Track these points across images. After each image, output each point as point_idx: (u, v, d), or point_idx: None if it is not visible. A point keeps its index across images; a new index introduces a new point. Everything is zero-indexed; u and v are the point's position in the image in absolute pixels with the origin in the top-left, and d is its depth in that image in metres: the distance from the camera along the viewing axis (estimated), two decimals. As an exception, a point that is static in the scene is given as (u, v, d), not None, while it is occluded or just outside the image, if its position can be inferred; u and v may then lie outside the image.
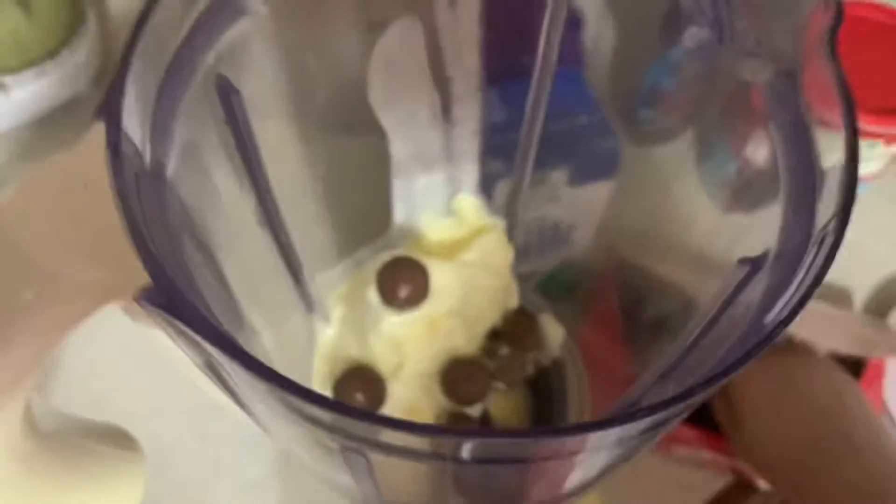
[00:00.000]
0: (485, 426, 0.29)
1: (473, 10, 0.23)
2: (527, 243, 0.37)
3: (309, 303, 0.29)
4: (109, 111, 0.14)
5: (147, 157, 0.15)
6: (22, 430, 0.16)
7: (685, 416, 0.16)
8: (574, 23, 0.27)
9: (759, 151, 0.34)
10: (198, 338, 0.12)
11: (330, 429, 0.14)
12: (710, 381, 0.13)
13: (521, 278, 0.32)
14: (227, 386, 0.16)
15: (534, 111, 0.26)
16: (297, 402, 0.13)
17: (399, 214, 0.30)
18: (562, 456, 0.14)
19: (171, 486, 0.39)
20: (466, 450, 0.13)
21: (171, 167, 0.16)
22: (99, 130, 0.14)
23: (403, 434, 0.13)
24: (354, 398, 0.26)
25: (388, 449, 0.14)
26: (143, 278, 0.13)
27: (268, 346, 0.26)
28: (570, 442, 0.14)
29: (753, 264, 0.17)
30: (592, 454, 0.15)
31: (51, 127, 0.47)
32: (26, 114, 0.45)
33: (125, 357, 0.42)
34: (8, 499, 0.16)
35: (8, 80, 0.43)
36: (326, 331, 0.30)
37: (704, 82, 0.36)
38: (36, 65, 0.43)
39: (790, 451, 0.29)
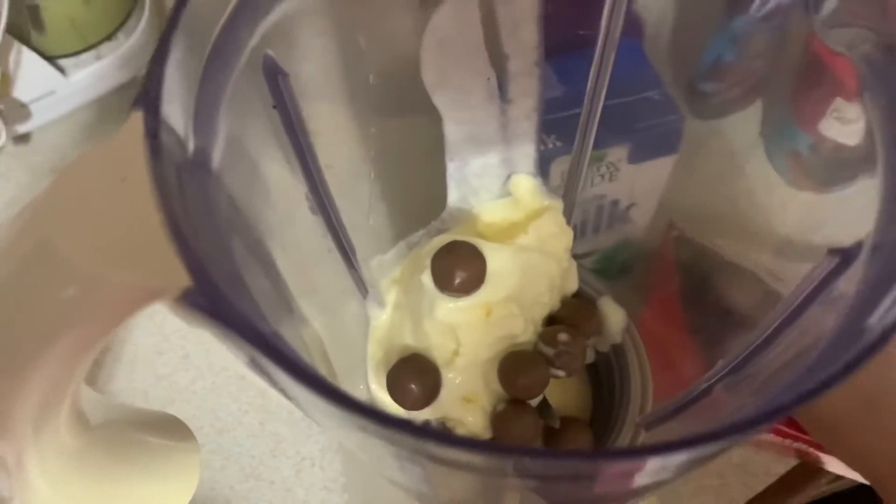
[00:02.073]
0: (544, 410, 0.29)
1: (531, -19, 0.21)
2: (584, 222, 0.36)
3: (362, 287, 0.28)
4: (147, 97, 0.13)
5: (190, 147, 0.15)
6: (70, 428, 0.16)
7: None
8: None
9: (839, 127, 0.31)
10: (242, 342, 0.12)
11: (386, 439, 0.13)
12: (806, 394, 0.11)
13: (578, 258, 0.31)
14: (274, 383, 0.16)
15: (596, 86, 0.25)
16: (347, 413, 0.12)
17: (453, 197, 0.29)
18: (626, 475, 0.13)
19: (228, 461, 0.40)
20: (522, 467, 0.12)
21: (217, 156, 0.16)
22: (137, 119, 0.13)
23: (451, 449, 0.12)
24: (408, 388, 0.26)
25: (440, 460, 0.14)
26: (185, 277, 0.12)
27: (321, 331, 0.26)
28: (635, 464, 0.13)
29: (844, 255, 0.16)
30: (660, 473, 0.14)
31: (109, 109, 0.47)
32: (85, 96, 0.46)
33: (187, 335, 0.43)
34: (60, 497, 0.16)
35: (67, 63, 0.43)
36: (380, 315, 0.29)
37: (773, 53, 0.34)
38: (93, 48, 0.43)
39: (836, 403, 0.28)
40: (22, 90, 0.42)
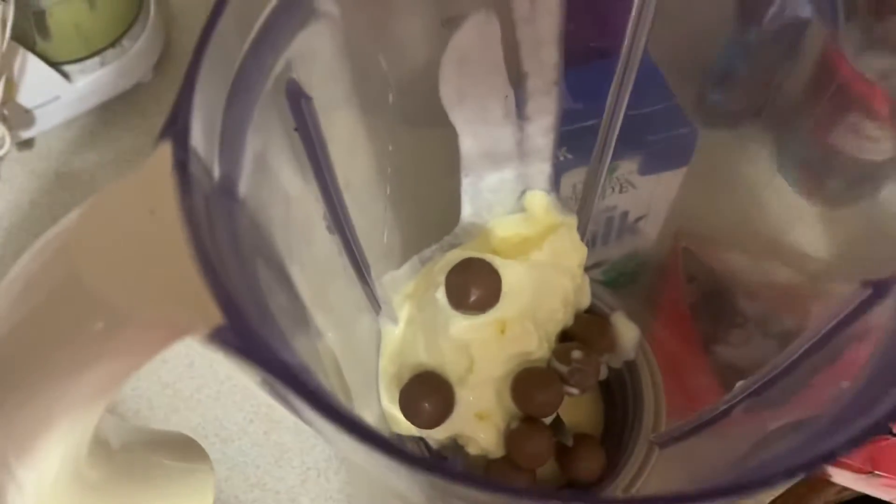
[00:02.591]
0: (557, 428, 0.28)
1: (553, 1, 0.21)
2: (593, 234, 0.36)
3: (375, 304, 0.28)
4: (176, 128, 0.13)
5: (216, 174, 0.14)
6: (92, 454, 0.16)
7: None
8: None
9: (855, 142, 0.31)
10: (272, 378, 0.12)
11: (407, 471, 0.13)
12: (856, 438, 0.11)
13: (586, 269, 0.31)
14: (290, 407, 0.15)
15: (616, 102, 0.25)
16: (375, 452, 0.12)
17: (467, 212, 0.28)
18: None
19: (233, 471, 0.39)
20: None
21: (244, 182, 0.15)
22: (164, 150, 0.13)
23: (468, 489, 0.12)
24: (422, 407, 0.25)
25: (462, 496, 0.13)
26: (213, 311, 0.12)
27: (334, 346, 0.26)
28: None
29: (878, 288, 0.15)
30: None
31: (113, 114, 0.47)
32: (90, 102, 0.45)
33: (192, 343, 0.42)
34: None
35: (71, 69, 0.43)
36: (392, 331, 0.29)
37: (785, 65, 0.34)
38: (98, 54, 0.43)
39: None
40: (26, 96, 0.42)
